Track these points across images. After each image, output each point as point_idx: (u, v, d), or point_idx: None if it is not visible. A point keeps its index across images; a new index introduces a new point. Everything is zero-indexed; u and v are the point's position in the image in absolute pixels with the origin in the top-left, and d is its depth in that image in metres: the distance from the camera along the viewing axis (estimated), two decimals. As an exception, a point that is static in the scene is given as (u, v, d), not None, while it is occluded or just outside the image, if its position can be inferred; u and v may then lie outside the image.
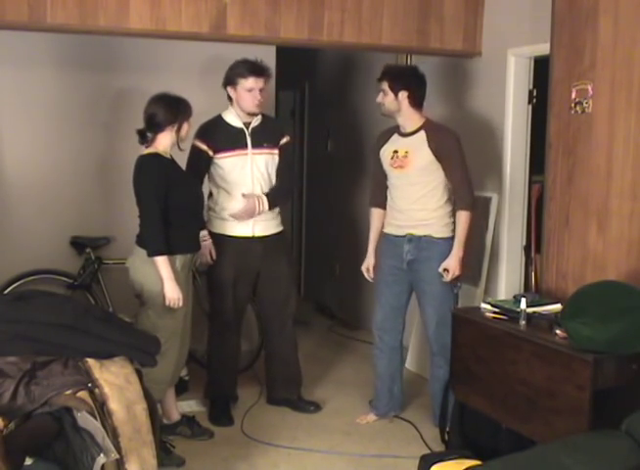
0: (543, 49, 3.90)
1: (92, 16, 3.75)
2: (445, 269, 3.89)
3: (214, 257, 4.14)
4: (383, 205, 4.17)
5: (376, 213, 4.24)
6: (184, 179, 3.79)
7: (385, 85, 3.94)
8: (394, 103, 3.93)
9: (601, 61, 3.40)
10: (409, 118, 3.96)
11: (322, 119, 6.90)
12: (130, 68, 4.89)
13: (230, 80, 4.07)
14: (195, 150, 4.11)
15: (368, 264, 4.26)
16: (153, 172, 3.64)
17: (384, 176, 4.10)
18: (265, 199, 4.12)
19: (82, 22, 3.75)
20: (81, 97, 4.82)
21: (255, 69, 4.03)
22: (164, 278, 3.59)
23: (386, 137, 4.10)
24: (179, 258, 3.71)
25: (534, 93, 4.36)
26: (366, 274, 4.28)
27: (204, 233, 4.09)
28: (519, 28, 4.25)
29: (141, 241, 3.71)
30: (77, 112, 4.83)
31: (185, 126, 3.70)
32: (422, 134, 3.92)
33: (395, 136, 4.04)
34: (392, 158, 4.00)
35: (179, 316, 3.74)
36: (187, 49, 4.77)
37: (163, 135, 3.68)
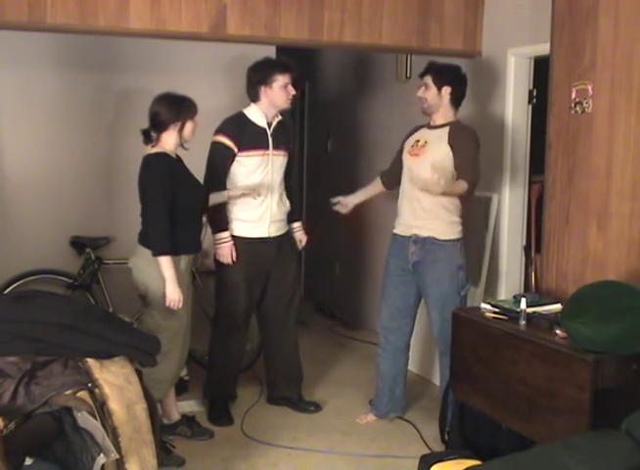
0: (543, 49, 3.89)
1: (92, 16, 3.75)
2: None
3: (234, 258, 4.13)
4: (387, 183, 4.31)
5: (377, 182, 4.39)
6: (189, 179, 3.78)
7: (428, 80, 3.96)
8: (437, 97, 3.95)
9: (601, 61, 3.40)
10: (443, 114, 3.98)
11: (322, 119, 6.90)
12: (131, 67, 4.90)
13: (264, 80, 4.09)
14: (219, 146, 4.09)
15: (347, 199, 4.35)
16: (160, 172, 3.63)
17: (400, 165, 4.13)
18: (301, 225, 4.50)
19: (82, 22, 3.75)
20: (82, 97, 4.83)
21: (288, 65, 4.12)
22: (167, 279, 3.58)
23: (415, 129, 4.15)
24: (183, 259, 3.71)
25: (534, 93, 4.36)
26: (337, 203, 4.33)
27: (225, 235, 4.10)
28: (519, 28, 4.25)
29: (145, 240, 3.69)
30: (78, 112, 4.83)
31: (189, 125, 3.69)
32: (446, 129, 3.94)
33: (424, 129, 4.08)
34: (413, 146, 4.04)
35: (183, 317, 3.74)
36: (188, 49, 4.77)
37: (168, 134, 3.67)
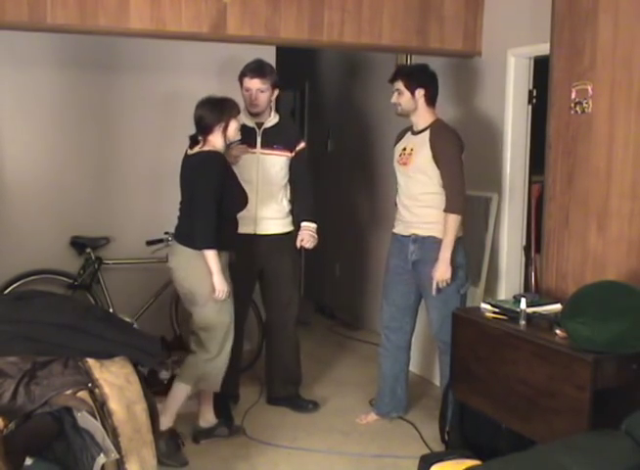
0: (543, 49, 3.89)
1: (92, 16, 3.75)
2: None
3: None
4: None
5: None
6: (236, 179, 3.82)
7: (400, 85, 3.95)
8: (411, 102, 3.94)
9: (601, 61, 3.40)
10: (422, 117, 3.97)
11: (322, 119, 6.90)
12: (131, 68, 4.89)
13: (239, 81, 4.16)
14: None
15: None
16: (217, 169, 3.68)
17: None
18: (312, 226, 4.35)
19: (82, 22, 3.75)
20: (81, 97, 4.83)
21: (251, 69, 4.12)
22: (214, 271, 3.63)
23: (401, 135, 4.15)
24: (223, 255, 3.75)
25: (534, 93, 4.35)
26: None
27: None
28: (519, 28, 4.25)
29: (185, 239, 3.71)
30: (77, 112, 4.83)
31: (232, 124, 3.72)
32: (427, 133, 3.94)
33: (409, 134, 4.07)
34: (401, 154, 4.04)
35: (231, 312, 3.79)
36: (187, 49, 4.77)
37: (214, 136, 3.71)
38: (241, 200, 3.81)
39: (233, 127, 3.73)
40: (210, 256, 3.63)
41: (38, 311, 2.97)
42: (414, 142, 3.98)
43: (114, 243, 4.87)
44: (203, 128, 3.71)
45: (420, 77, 3.96)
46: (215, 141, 3.71)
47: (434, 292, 3.89)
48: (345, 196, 6.40)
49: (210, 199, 3.62)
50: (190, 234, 3.70)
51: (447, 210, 3.88)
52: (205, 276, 3.65)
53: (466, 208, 3.96)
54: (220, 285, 3.66)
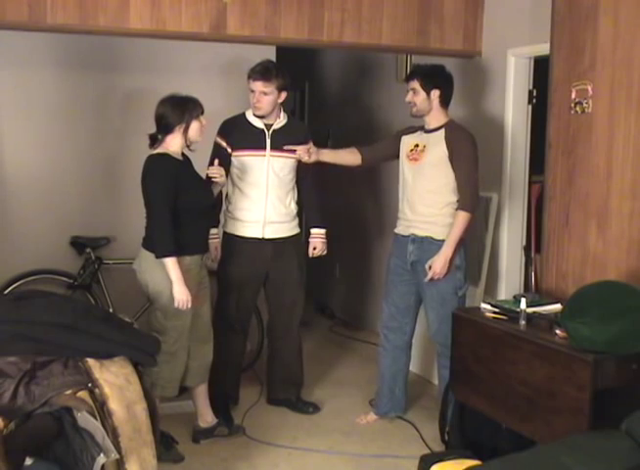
0: (543, 49, 3.90)
1: (92, 16, 3.75)
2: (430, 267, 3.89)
3: (218, 255, 4.15)
4: (366, 157, 4.25)
5: (353, 151, 4.30)
6: (194, 180, 3.75)
7: (415, 84, 3.95)
8: (426, 102, 3.94)
9: (601, 61, 3.40)
10: (435, 117, 3.98)
11: (322, 119, 6.90)
12: (131, 68, 4.89)
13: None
14: (215, 146, 4.14)
15: (316, 149, 4.26)
16: (161, 172, 3.60)
17: (388, 149, 4.20)
18: (322, 232, 4.36)
19: (82, 22, 3.75)
20: (81, 97, 4.82)
21: (255, 71, 4.08)
22: (173, 280, 3.54)
23: (412, 129, 4.14)
24: (188, 259, 3.68)
25: (534, 93, 4.36)
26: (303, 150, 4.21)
27: (213, 231, 4.10)
28: (519, 28, 4.25)
29: (147, 243, 3.67)
30: (77, 112, 4.82)
31: (194, 125, 3.64)
32: (441, 132, 3.95)
33: (420, 132, 4.07)
34: (412, 150, 4.04)
35: (187, 317, 3.69)
36: (189, 49, 4.77)
37: (172, 136, 3.64)
38: (199, 199, 3.72)
39: (194, 128, 3.64)
40: (169, 264, 3.52)
41: (38, 311, 2.97)
42: (427, 139, 3.99)
43: (114, 243, 4.87)
44: (163, 128, 3.63)
45: (436, 78, 3.95)
46: (173, 142, 3.64)
47: (426, 279, 3.89)
48: (346, 196, 6.40)
49: (161, 206, 3.54)
50: (147, 239, 3.66)
51: (460, 207, 3.89)
52: (160, 280, 3.58)
53: (478, 208, 3.96)
54: (179, 294, 3.55)
